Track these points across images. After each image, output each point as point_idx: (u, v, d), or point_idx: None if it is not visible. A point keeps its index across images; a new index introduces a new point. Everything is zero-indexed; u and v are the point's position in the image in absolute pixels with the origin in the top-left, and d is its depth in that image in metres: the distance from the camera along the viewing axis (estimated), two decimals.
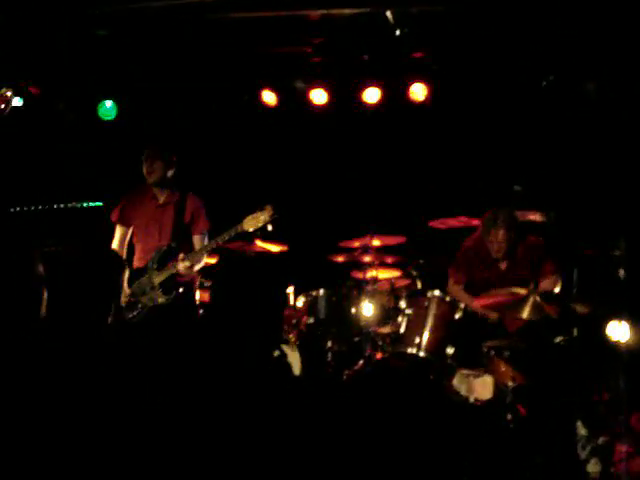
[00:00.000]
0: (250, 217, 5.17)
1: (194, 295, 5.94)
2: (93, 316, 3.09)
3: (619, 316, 4.95)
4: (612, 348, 4.98)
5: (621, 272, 4.84)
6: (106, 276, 3.19)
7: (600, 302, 5.15)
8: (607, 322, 5.16)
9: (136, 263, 5.64)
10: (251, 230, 5.18)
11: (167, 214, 5.61)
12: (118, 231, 5.76)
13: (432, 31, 6.39)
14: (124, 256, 5.63)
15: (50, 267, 3.03)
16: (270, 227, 5.23)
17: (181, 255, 5.36)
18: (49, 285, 2.96)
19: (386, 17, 5.89)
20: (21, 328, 2.91)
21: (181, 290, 5.45)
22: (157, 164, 5.53)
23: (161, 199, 5.64)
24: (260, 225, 5.17)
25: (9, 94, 5.32)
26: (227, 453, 2.67)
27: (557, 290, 5.75)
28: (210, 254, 5.68)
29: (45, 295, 3.03)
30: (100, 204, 6.23)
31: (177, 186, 5.66)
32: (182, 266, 5.33)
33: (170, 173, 5.60)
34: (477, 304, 5.67)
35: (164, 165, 5.55)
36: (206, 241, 5.61)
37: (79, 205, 6.38)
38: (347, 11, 5.83)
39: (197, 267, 5.49)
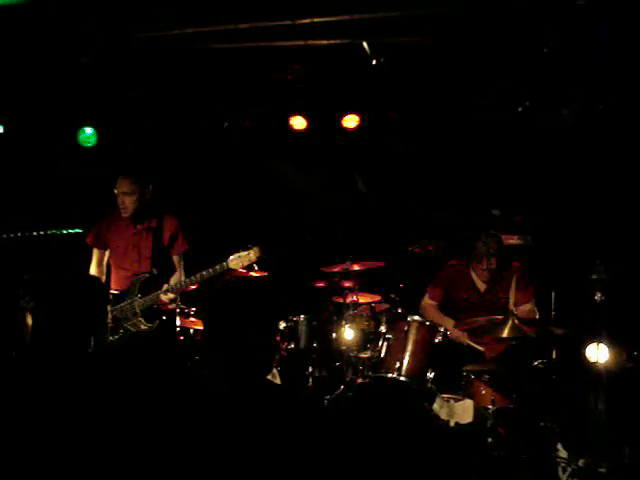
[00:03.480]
0: (236, 256, 5.21)
1: (174, 322, 5.94)
2: (75, 342, 3.09)
3: (597, 338, 4.99)
4: (591, 370, 5.02)
5: (598, 295, 4.89)
6: (89, 303, 3.21)
7: (578, 325, 5.20)
8: (585, 344, 5.20)
9: (115, 286, 5.62)
10: (236, 268, 5.23)
11: (145, 239, 5.60)
12: (95, 254, 5.76)
13: (408, 60, 6.47)
14: (103, 279, 5.62)
15: (32, 294, 3.04)
16: (256, 267, 5.29)
17: (165, 286, 5.37)
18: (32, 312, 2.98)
19: (363, 48, 5.97)
20: (6, 354, 2.93)
21: (164, 318, 5.45)
22: (129, 199, 5.50)
23: (137, 225, 5.63)
24: (246, 264, 5.23)
25: None
26: (209, 475, 2.67)
27: (536, 317, 5.79)
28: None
29: (29, 322, 3.05)
30: (80, 231, 6.21)
31: (154, 210, 5.64)
32: (165, 298, 5.36)
33: (145, 202, 5.57)
34: (450, 323, 5.72)
35: (137, 198, 5.51)
36: (183, 262, 5.64)
37: (59, 232, 6.36)
38: (325, 42, 5.90)
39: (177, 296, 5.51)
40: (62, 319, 3.05)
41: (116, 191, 5.54)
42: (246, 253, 5.20)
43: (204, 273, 5.27)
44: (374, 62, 6.02)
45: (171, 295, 5.35)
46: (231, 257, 5.21)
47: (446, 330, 5.67)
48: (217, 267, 5.23)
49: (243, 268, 5.28)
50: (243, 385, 2.74)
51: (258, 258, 5.22)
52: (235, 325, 2.80)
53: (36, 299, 3.07)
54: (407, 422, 5.00)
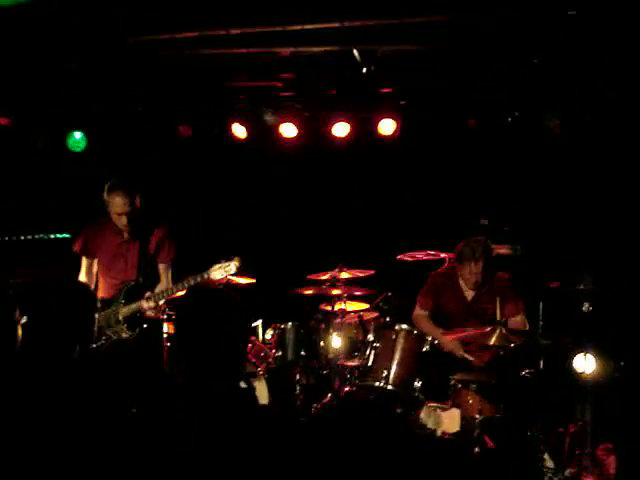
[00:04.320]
0: (217, 266, 5.23)
1: (160, 330, 5.92)
2: (63, 348, 3.09)
3: (584, 349, 5.00)
4: (578, 381, 5.03)
5: (586, 305, 4.90)
6: (79, 310, 3.20)
7: (565, 335, 5.20)
8: (572, 355, 5.20)
9: (102, 294, 5.60)
10: (216, 279, 5.25)
11: (132, 249, 5.57)
12: (84, 262, 5.72)
13: (399, 69, 6.49)
14: (92, 287, 5.59)
15: (21, 299, 3.03)
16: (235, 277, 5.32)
17: (147, 294, 5.36)
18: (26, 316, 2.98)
19: (353, 55, 5.97)
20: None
21: (145, 326, 5.42)
22: (127, 209, 5.42)
23: (125, 235, 5.59)
24: (226, 274, 5.27)
25: None
26: None
27: (526, 328, 5.77)
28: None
29: (19, 333, 3.04)
30: (68, 236, 6.19)
31: (141, 218, 5.59)
32: (146, 306, 5.34)
33: (134, 213, 5.51)
34: (443, 336, 5.71)
35: (131, 210, 5.47)
36: (170, 270, 5.62)
37: (47, 237, 6.34)
38: (315, 49, 5.90)
39: (160, 302, 5.48)
40: (50, 327, 3.05)
41: (109, 210, 5.46)
42: (227, 264, 5.22)
43: (184, 283, 5.28)
44: (364, 70, 6.04)
45: (152, 303, 5.33)
46: (213, 267, 5.23)
47: (437, 340, 5.66)
48: (198, 277, 5.25)
49: (223, 279, 5.35)
50: (220, 391, 2.74)
51: (238, 269, 5.25)
52: (205, 330, 2.80)
53: (26, 309, 3.06)
54: (394, 431, 4.99)
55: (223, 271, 5.22)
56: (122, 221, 5.46)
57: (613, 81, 6.09)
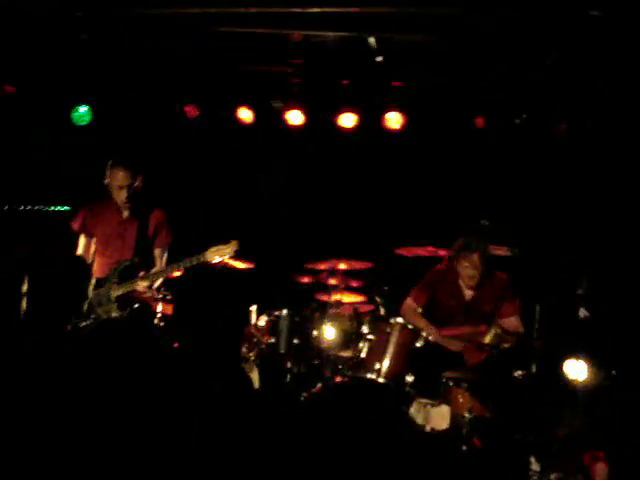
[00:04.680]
0: (214, 249, 5.16)
1: (150, 311, 5.89)
2: (54, 320, 3.08)
3: (577, 354, 5.00)
4: (568, 386, 5.03)
5: (582, 311, 4.90)
6: (72, 281, 3.19)
7: (559, 339, 5.20)
8: (565, 360, 5.20)
9: (96, 274, 5.57)
10: (212, 261, 5.19)
11: (130, 229, 5.56)
12: (82, 240, 5.67)
13: (412, 61, 6.46)
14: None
15: (19, 270, 3.03)
16: (231, 260, 5.27)
17: (141, 273, 5.33)
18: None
19: (368, 43, 5.94)
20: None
21: (136, 306, 5.40)
22: (127, 183, 5.43)
23: (125, 214, 5.58)
24: (222, 257, 5.19)
25: None
26: (182, 467, 2.65)
27: (520, 331, 5.75)
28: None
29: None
30: (68, 209, 6.16)
31: (141, 200, 5.59)
32: (141, 286, 5.30)
33: (135, 192, 5.52)
34: (428, 326, 5.70)
35: (132, 184, 5.48)
36: (166, 255, 5.60)
37: (47, 209, 6.31)
38: (331, 34, 5.87)
39: (155, 285, 5.47)
40: (45, 296, 3.04)
41: (110, 183, 5.47)
42: (224, 247, 5.16)
43: (180, 264, 5.25)
44: (379, 59, 6.00)
45: (146, 283, 5.29)
46: (209, 250, 5.18)
47: (428, 334, 5.66)
48: (193, 259, 5.20)
49: (220, 262, 5.25)
50: (214, 371, 2.73)
51: (234, 252, 5.18)
52: (204, 308, 2.79)
53: (31, 280, 3.06)
54: (383, 424, 4.98)
55: (219, 254, 5.17)
56: (122, 195, 5.45)
57: (619, 86, 6.08)
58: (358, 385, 5.53)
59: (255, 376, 6.15)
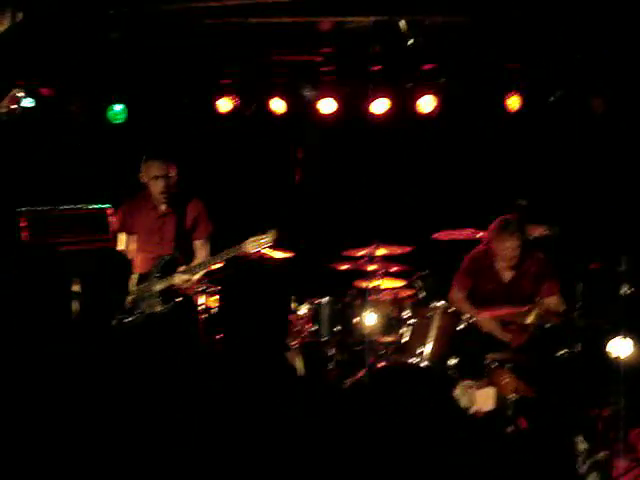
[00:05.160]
0: (253, 239, 5.21)
1: (193, 304, 5.95)
2: (101, 315, 3.13)
3: (621, 332, 4.96)
4: (613, 364, 4.99)
5: (624, 288, 4.85)
6: (115, 277, 3.24)
7: (603, 317, 5.16)
8: (609, 338, 5.17)
9: (137, 270, 5.64)
10: (252, 252, 5.24)
11: (168, 224, 5.61)
12: (122, 238, 5.75)
13: (443, 43, 6.43)
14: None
15: (63, 267, 3.08)
16: (270, 250, 5.29)
17: (181, 268, 5.39)
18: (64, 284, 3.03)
19: (399, 26, 5.91)
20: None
21: (180, 299, 5.46)
22: (162, 173, 5.50)
23: (162, 208, 5.63)
24: (261, 247, 5.25)
25: (20, 95, 5.38)
26: (226, 454, 2.69)
27: (561, 309, 5.72)
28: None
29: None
30: (108, 206, 6.24)
31: (177, 193, 5.65)
32: (182, 279, 5.37)
33: (171, 185, 5.58)
34: (480, 315, 5.70)
35: (167, 174, 5.54)
36: (208, 246, 5.64)
37: (87, 207, 6.39)
38: (361, 19, 5.85)
39: (196, 277, 5.50)
40: (89, 292, 3.09)
41: (146, 176, 5.54)
42: (264, 236, 5.20)
43: (219, 256, 5.31)
44: (410, 42, 5.97)
45: (186, 276, 5.35)
46: (248, 240, 5.22)
47: (474, 319, 5.65)
48: (232, 250, 5.25)
49: (258, 252, 5.32)
50: (259, 362, 2.76)
51: (274, 242, 5.22)
52: (250, 302, 2.81)
53: (66, 272, 3.11)
54: (427, 407, 5.00)
55: (258, 244, 5.21)
56: (159, 186, 5.50)
57: None
58: (401, 370, 5.55)
59: (299, 364, 6.19)
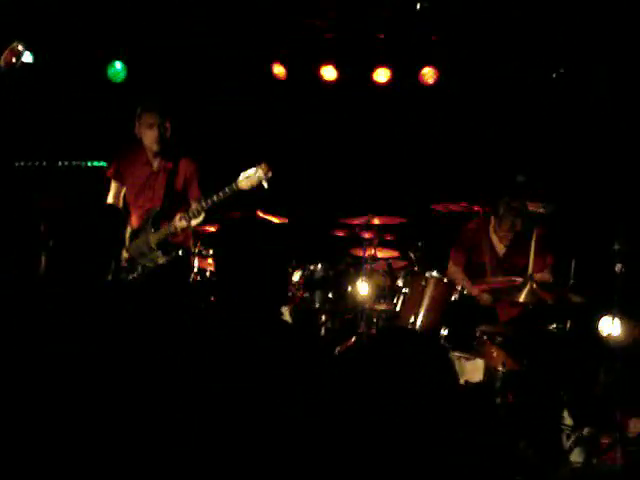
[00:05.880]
0: (244, 175, 5.08)
1: (190, 259, 5.92)
2: (94, 271, 3.10)
3: (612, 311, 4.98)
4: (603, 342, 5.02)
5: (618, 266, 4.86)
6: (108, 230, 3.20)
7: (595, 295, 5.18)
8: (600, 316, 5.19)
9: (128, 226, 5.60)
10: (246, 188, 5.09)
11: (160, 181, 5.54)
12: (113, 187, 5.70)
13: (448, 14, 6.39)
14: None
15: (52, 222, 3.04)
16: (266, 185, 5.10)
17: (179, 214, 5.30)
18: (52, 240, 2.98)
19: None
20: (21, 283, 2.93)
21: (180, 253, 5.43)
22: (157, 121, 5.41)
23: (155, 165, 5.57)
24: (255, 183, 5.09)
25: (20, 48, 5.30)
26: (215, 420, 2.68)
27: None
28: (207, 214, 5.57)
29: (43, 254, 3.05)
30: (104, 164, 6.21)
31: (171, 150, 5.57)
32: (179, 224, 5.27)
33: (164, 139, 5.49)
34: (474, 288, 5.72)
35: (162, 123, 5.44)
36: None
37: (83, 163, 6.37)
38: None
39: (194, 222, 5.36)
40: (80, 247, 3.05)
41: (140, 127, 5.47)
42: (254, 171, 5.06)
43: (214, 197, 5.17)
44: (418, 6, 5.92)
45: (184, 222, 5.26)
46: (240, 177, 5.09)
47: (470, 292, 5.67)
48: (227, 189, 5.13)
49: (253, 188, 5.12)
50: (253, 325, 2.74)
51: (266, 174, 5.07)
52: (247, 264, 2.77)
53: (54, 230, 3.06)
54: (416, 375, 5.01)
55: (251, 179, 5.06)
56: (152, 135, 5.43)
57: None
58: (392, 333, 5.52)
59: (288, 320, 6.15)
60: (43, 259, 3.12)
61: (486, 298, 5.70)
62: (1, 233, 5.33)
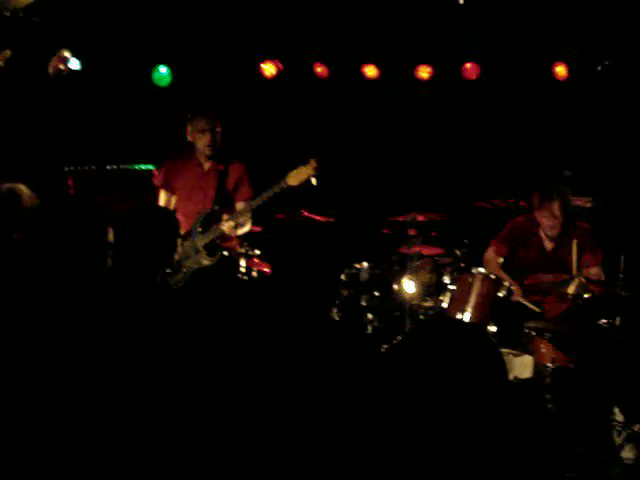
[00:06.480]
0: (294, 172, 5.10)
1: (237, 261, 5.97)
2: (147, 273, 3.18)
3: None
4: None
5: None
6: (164, 236, 3.28)
7: None
8: None
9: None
10: (295, 185, 5.11)
11: (211, 182, 5.59)
12: (163, 196, 5.77)
13: (489, 10, 6.37)
14: None
15: (117, 224, 3.12)
16: (314, 181, 5.10)
17: (225, 216, 5.34)
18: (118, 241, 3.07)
19: None
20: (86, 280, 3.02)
21: (226, 253, 5.44)
22: (209, 126, 5.49)
23: (206, 166, 5.64)
24: (304, 179, 5.11)
25: (67, 54, 5.42)
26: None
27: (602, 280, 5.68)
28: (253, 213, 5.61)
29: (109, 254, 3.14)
30: (151, 167, 6.31)
31: (222, 152, 5.63)
32: (226, 226, 5.30)
33: (216, 143, 5.56)
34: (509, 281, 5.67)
35: (214, 129, 5.51)
36: (249, 207, 5.62)
37: (130, 167, 6.47)
38: None
39: (241, 231, 5.47)
40: (138, 252, 3.13)
41: (192, 131, 5.54)
42: (303, 167, 5.09)
43: (264, 195, 5.20)
44: (461, 1, 5.89)
45: (231, 223, 5.29)
46: (288, 174, 5.12)
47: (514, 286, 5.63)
48: (275, 187, 5.15)
49: (301, 185, 5.13)
50: (303, 324, 2.78)
51: (315, 170, 5.09)
52: (297, 265, 2.82)
53: (117, 233, 3.15)
54: (463, 373, 4.99)
55: (300, 176, 5.08)
56: (205, 139, 5.50)
57: None
58: (439, 325, 5.43)
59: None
60: (109, 260, 3.22)
61: (518, 293, 5.64)
62: (68, 233, 5.43)
